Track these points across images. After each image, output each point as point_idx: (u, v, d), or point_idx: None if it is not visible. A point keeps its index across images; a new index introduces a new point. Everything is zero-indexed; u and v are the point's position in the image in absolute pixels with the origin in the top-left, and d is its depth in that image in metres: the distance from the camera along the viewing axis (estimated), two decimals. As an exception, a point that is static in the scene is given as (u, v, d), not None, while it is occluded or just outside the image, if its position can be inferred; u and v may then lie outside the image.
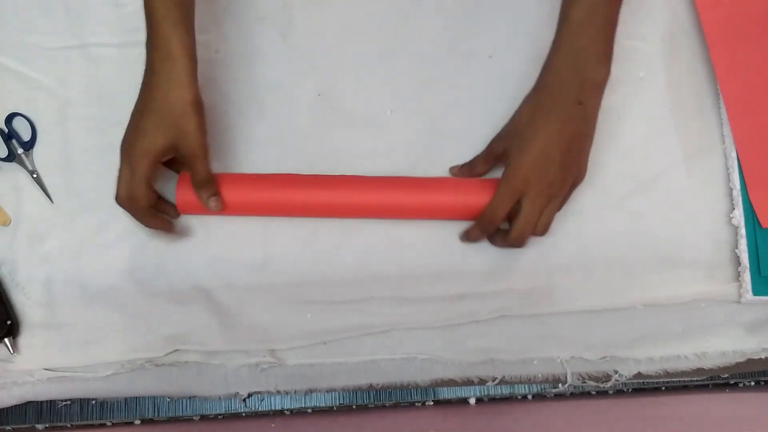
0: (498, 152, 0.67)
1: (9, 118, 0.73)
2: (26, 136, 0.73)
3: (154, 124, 0.63)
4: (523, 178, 0.62)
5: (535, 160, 0.62)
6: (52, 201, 0.72)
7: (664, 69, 0.73)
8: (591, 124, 0.65)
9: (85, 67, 0.75)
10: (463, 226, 0.70)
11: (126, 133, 0.65)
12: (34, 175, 0.73)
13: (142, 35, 0.74)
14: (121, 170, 0.64)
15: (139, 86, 0.69)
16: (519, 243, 0.65)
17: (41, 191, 0.72)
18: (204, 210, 0.68)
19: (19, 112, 0.73)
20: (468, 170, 0.70)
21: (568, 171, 0.64)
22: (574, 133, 0.63)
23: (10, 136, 0.73)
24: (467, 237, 0.68)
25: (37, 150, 0.73)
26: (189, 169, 0.65)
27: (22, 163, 0.73)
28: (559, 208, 0.66)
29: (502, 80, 0.73)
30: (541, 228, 0.65)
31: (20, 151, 0.73)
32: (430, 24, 0.75)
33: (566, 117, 0.62)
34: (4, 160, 0.72)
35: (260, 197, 0.68)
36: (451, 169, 0.71)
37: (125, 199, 0.64)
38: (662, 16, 0.74)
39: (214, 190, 0.66)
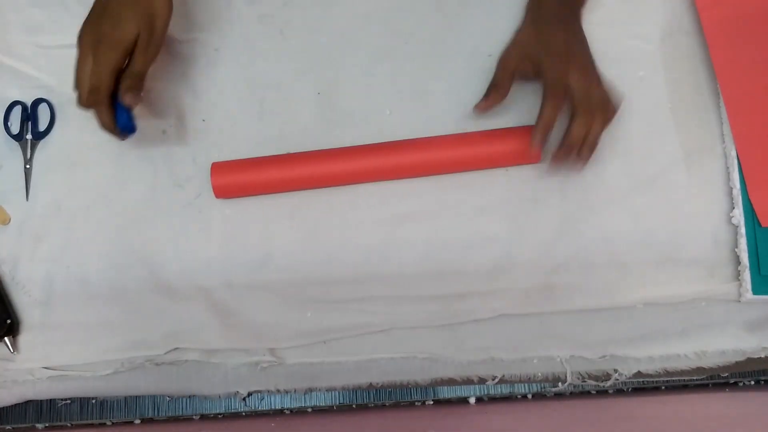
0: (513, 65, 0.68)
1: (35, 103, 0.74)
2: (42, 126, 0.74)
3: (131, 13, 0.64)
4: (562, 62, 0.65)
5: (560, 50, 0.66)
6: (27, 199, 0.72)
7: (663, 68, 0.73)
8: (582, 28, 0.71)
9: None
10: (464, 219, 0.70)
11: (91, 22, 0.65)
12: (27, 166, 0.73)
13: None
14: (82, 59, 0.64)
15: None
16: (589, 114, 0.65)
17: (40, 188, 0.72)
18: (242, 192, 0.70)
19: (45, 98, 0.75)
20: (494, 92, 0.69)
21: (591, 65, 0.67)
22: (581, 34, 0.69)
23: (29, 118, 0.73)
24: (542, 119, 0.66)
25: (40, 145, 0.74)
26: (133, 60, 0.66)
27: (24, 148, 0.73)
28: (604, 88, 0.66)
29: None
30: (599, 99, 0.66)
31: (29, 136, 0.73)
32: (430, 23, 0.75)
33: (572, 21, 0.70)
34: (15, 137, 0.73)
35: (296, 172, 0.69)
36: (476, 108, 0.70)
37: (89, 91, 0.65)
38: (662, 15, 0.74)
39: (140, 87, 0.66)
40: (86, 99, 0.65)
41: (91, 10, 0.66)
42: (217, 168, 0.70)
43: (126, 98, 0.65)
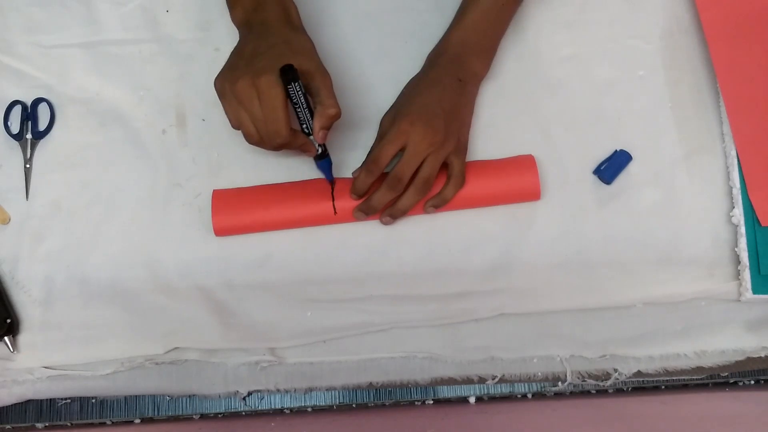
0: (387, 126, 0.67)
1: (35, 103, 0.74)
2: (42, 126, 0.74)
3: (283, 50, 0.61)
4: (410, 121, 0.64)
5: (420, 108, 0.65)
6: (27, 199, 0.72)
7: (663, 68, 0.73)
8: (468, 104, 0.70)
9: (85, 65, 0.75)
10: (464, 219, 0.70)
11: (238, 67, 0.62)
12: (27, 166, 0.73)
13: (141, 33, 0.75)
14: (235, 104, 0.61)
15: (136, 83, 0.74)
16: (397, 182, 0.64)
17: (40, 188, 0.72)
18: (240, 230, 0.69)
19: (45, 98, 0.74)
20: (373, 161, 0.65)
21: (451, 128, 0.65)
22: (454, 100, 0.67)
23: (29, 117, 0.73)
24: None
25: (40, 145, 0.74)
26: (318, 102, 0.62)
27: (24, 148, 0.73)
28: (436, 167, 0.65)
29: (501, 78, 0.73)
30: (423, 177, 0.64)
31: (29, 136, 0.73)
32: (430, 21, 0.74)
33: (447, 86, 0.67)
34: (15, 137, 0.73)
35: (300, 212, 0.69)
36: (354, 172, 0.67)
37: (258, 138, 0.62)
38: (662, 14, 0.74)
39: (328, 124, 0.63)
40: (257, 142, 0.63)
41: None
42: (218, 205, 0.69)
43: (319, 134, 0.63)
